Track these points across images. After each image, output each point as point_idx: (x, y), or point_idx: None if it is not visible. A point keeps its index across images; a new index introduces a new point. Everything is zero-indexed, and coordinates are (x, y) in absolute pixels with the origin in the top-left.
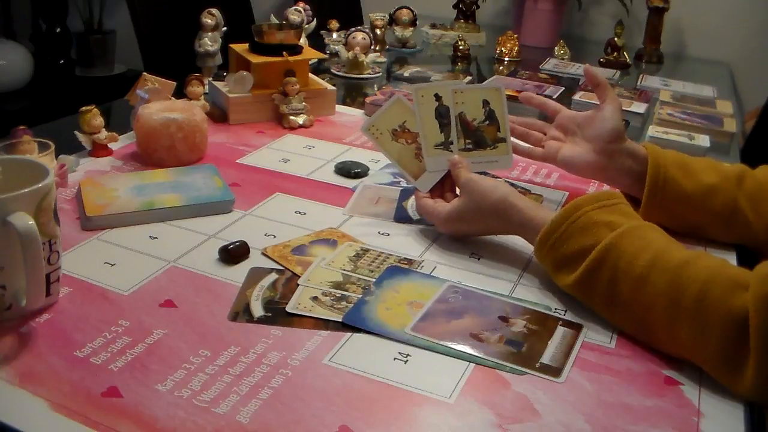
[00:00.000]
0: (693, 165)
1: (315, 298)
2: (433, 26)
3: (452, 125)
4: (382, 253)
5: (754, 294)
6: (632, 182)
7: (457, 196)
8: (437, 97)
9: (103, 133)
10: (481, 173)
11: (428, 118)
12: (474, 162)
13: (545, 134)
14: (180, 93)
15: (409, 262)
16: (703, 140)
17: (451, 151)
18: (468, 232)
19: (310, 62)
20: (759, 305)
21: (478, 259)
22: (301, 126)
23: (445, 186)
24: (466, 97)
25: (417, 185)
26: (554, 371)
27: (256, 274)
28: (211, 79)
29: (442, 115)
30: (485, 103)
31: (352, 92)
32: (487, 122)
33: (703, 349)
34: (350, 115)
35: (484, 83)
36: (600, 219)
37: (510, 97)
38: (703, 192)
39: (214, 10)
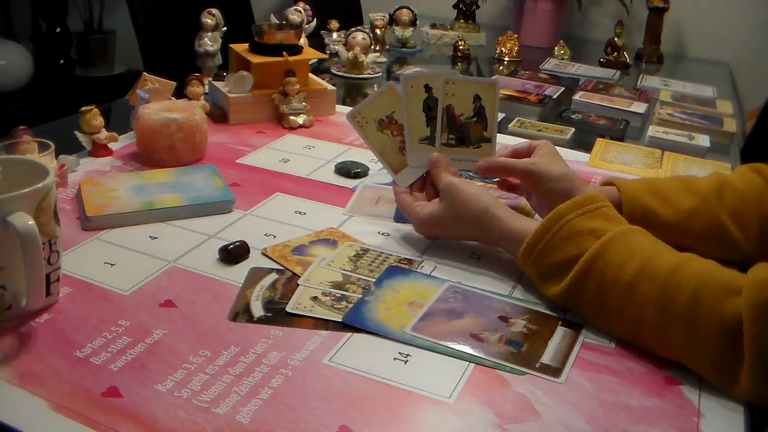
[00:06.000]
0: (667, 190)
1: (315, 298)
2: (433, 26)
3: (438, 117)
4: (382, 253)
5: (747, 301)
6: None
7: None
8: (427, 89)
9: (103, 133)
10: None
11: (415, 110)
12: (454, 159)
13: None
14: (180, 93)
15: (409, 262)
16: (703, 140)
17: (434, 145)
18: (444, 237)
19: (310, 62)
20: (754, 313)
21: (478, 259)
22: (301, 126)
23: (426, 181)
24: (457, 89)
25: (396, 180)
26: (554, 371)
27: (256, 274)
28: (211, 79)
29: (430, 107)
30: (476, 98)
31: (352, 92)
32: (475, 119)
33: (696, 357)
34: None
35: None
36: (583, 227)
37: (511, 98)
38: (684, 218)
39: (214, 10)
